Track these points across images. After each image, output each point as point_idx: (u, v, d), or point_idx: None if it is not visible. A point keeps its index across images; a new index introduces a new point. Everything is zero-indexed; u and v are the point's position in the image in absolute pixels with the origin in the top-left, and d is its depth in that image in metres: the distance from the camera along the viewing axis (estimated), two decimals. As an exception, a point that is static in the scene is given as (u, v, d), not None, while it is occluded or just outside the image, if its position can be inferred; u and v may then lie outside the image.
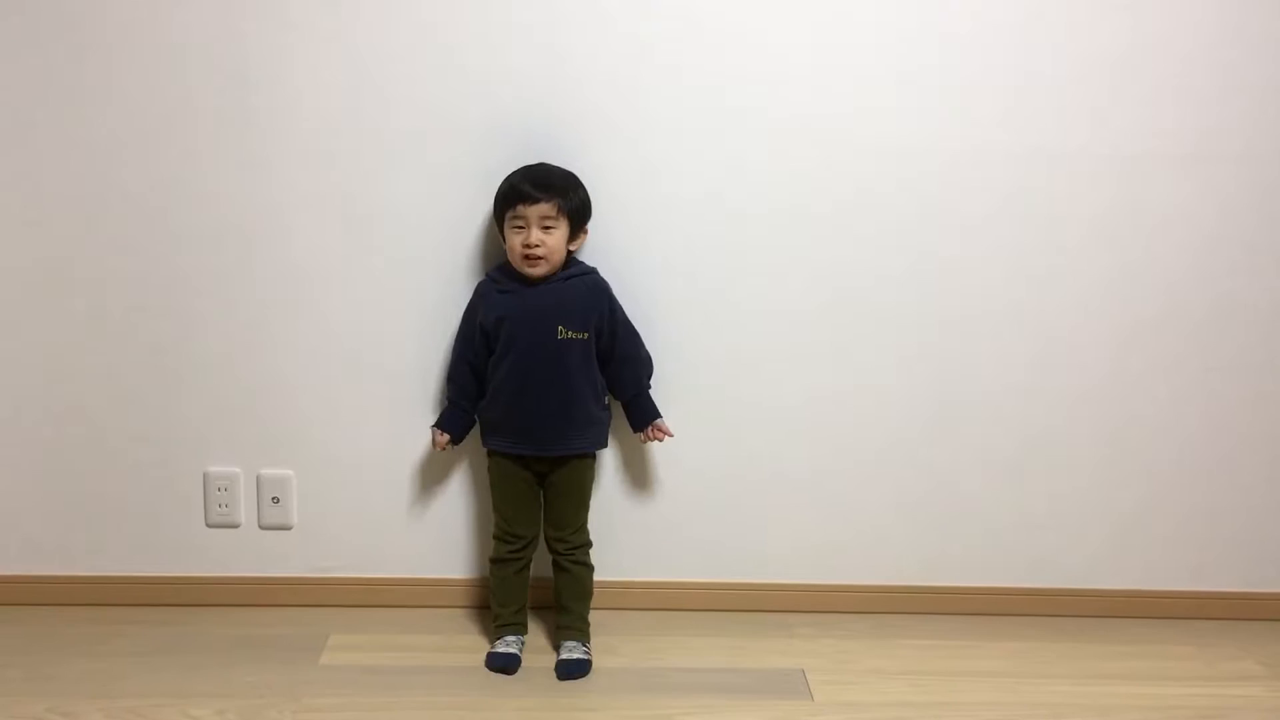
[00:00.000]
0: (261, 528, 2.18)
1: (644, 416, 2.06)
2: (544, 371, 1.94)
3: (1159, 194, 2.09)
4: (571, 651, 2.01)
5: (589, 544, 2.07)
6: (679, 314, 2.11)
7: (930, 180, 2.07)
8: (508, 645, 2.02)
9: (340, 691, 1.89)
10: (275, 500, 2.16)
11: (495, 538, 2.05)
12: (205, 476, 2.15)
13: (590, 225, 1.99)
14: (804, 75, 2.02)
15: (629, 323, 2.03)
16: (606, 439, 2.06)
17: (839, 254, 2.10)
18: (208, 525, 2.17)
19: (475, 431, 2.07)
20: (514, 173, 1.94)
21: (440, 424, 2.03)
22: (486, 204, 2.00)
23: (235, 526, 2.17)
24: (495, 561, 2.05)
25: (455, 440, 2.04)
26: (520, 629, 2.06)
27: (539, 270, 1.92)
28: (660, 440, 2.08)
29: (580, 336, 1.95)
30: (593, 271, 2.00)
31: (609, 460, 2.16)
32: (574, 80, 2.01)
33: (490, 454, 2.04)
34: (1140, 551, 2.25)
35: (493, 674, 1.97)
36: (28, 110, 1.99)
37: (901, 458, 2.19)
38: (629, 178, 2.04)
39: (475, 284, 2.02)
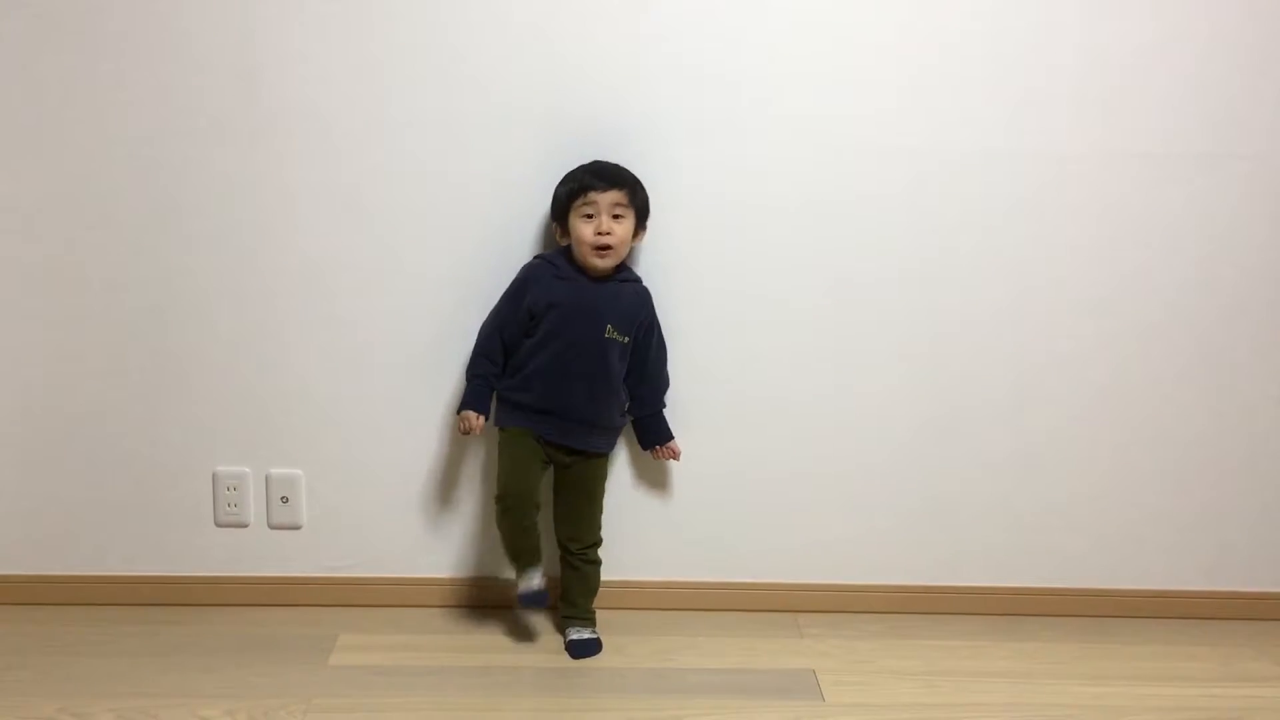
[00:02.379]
0: (271, 527, 2.17)
1: (658, 435, 2.08)
2: (586, 366, 1.94)
3: (1171, 194, 2.07)
4: (580, 632, 2.04)
5: (600, 542, 2.08)
6: (690, 310, 2.09)
7: (943, 180, 2.06)
8: (529, 580, 1.98)
9: (350, 692, 1.89)
10: (284, 500, 2.16)
11: (498, 498, 1.99)
12: (214, 476, 2.15)
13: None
14: (815, 76, 2.01)
15: (663, 340, 2.05)
16: (615, 443, 2.09)
17: (854, 253, 2.09)
18: (217, 525, 2.17)
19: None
20: (578, 169, 1.94)
21: (472, 404, 1.98)
22: (499, 205, 1.99)
23: (244, 526, 2.17)
24: (502, 516, 1.98)
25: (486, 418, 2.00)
26: (539, 559, 2.00)
27: (607, 262, 1.92)
28: (671, 459, 2.10)
29: (623, 340, 1.96)
30: (640, 280, 2.01)
31: (619, 459, 2.15)
32: (586, 82, 1.99)
33: (504, 429, 2.01)
34: (1156, 551, 2.23)
35: (503, 672, 1.97)
36: (36, 110, 1.99)
37: (914, 457, 2.18)
38: (643, 176, 2.02)
39: (487, 283, 2.01)
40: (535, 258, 2.01)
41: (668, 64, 1.99)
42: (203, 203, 2.03)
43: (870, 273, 2.10)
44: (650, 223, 2.04)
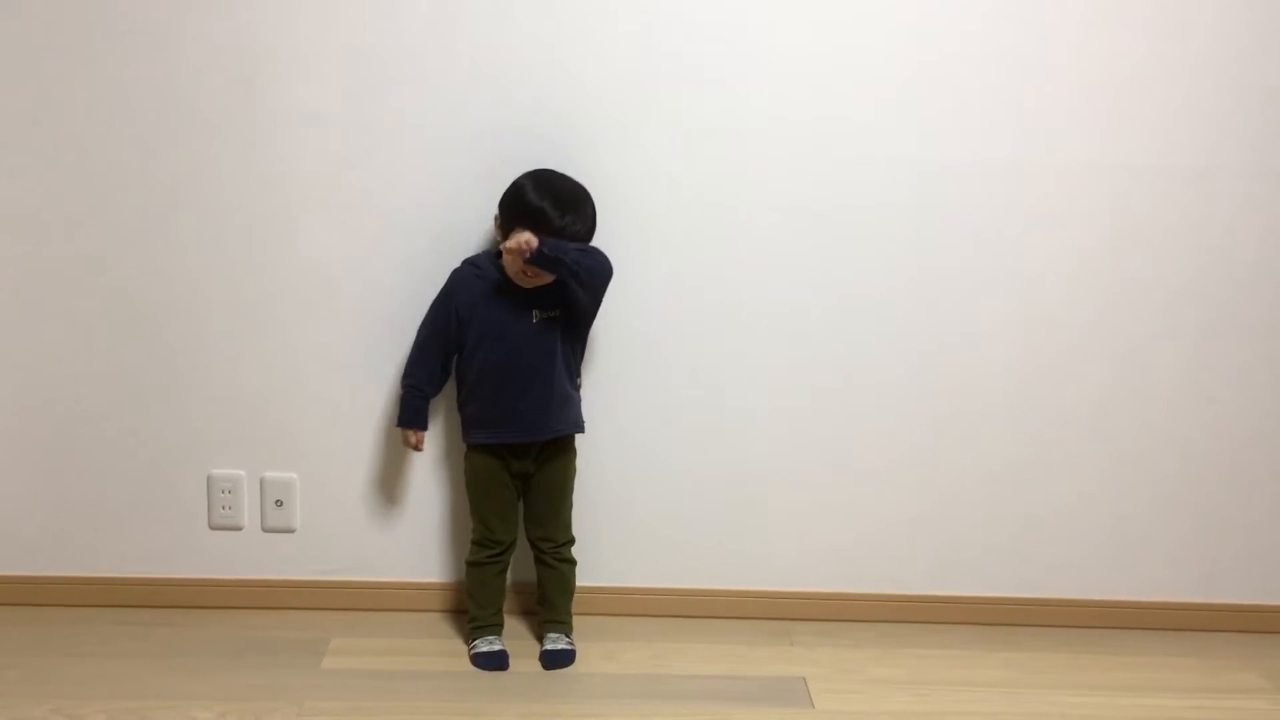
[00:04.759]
0: (265, 530, 2.18)
1: None
2: (523, 356, 1.93)
3: (1164, 207, 2.09)
4: (556, 643, 2.04)
5: (573, 540, 2.07)
6: (683, 317, 2.10)
7: (936, 190, 2.07)
8: (491, 644, 2.03)
9: (343, 695, 1.89)
10: (279, 503, 2.16)
11: (474, 543, 2.05)
12: (209, 479, 2.15)
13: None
14: (814, 85, 2.02)
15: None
16: (583, 421, 2.04)
17: (846, 260, 2.10)
18: (211, 527, 2.17)
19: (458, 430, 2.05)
20: (536, 184, 1.90)
21: (409, 421, 2.00)
22: (494, 208, 1.99)
23: (238, 529, 2.18)
24: (474, 565, 2.05)
25: (424, 428, 2.02)
26: (499, 629, 2.07)
27: (536, 283, 1.91)
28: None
29: (553, 315, 1.94)
30: None
31: (610, 465, 2.16)
32: (582, 83, 2.01)
33: (468, 453, 2.03)
34: (1143, 563, 2.24)
35: (495, 678, 1.98)
36: (35, 113, 1.99)
37: (905, 466, 2.19)
38: (634, 180, 2.04)
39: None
40: (463, 263, 2.00)
41: (664, 68, 2.00)
42: (199, 206, 2.04)
43: (863, 281, 2.11)
44: (646, 228, 2.05)
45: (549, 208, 1.87)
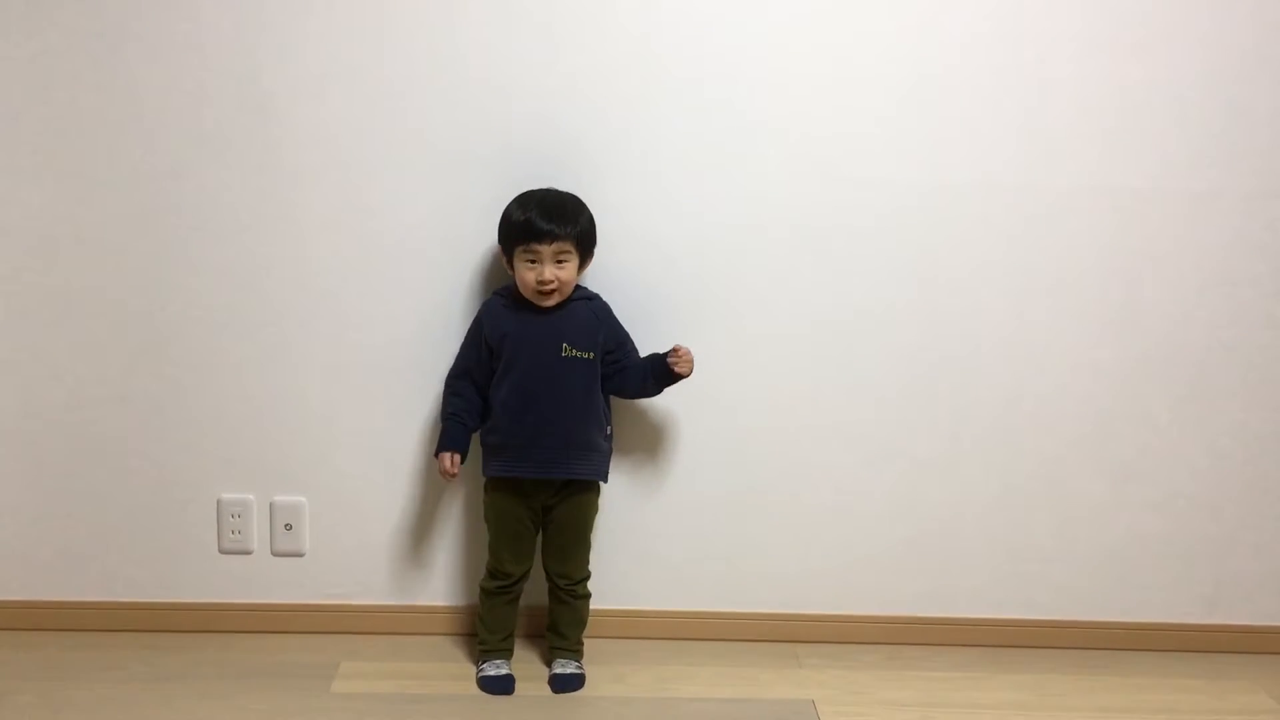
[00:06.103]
0: (274, 554, 2.19)
1: (657, 362, 1.99)
2: (548, 389, 1.93)
3: (1165, 230, 2.10)
4: (565, 667, 2.05)
5: (588, 576, 2.07)
6: (688, 337, 2.09)
7: (940, 211, 2.09)
8: (498, 668, 2.04)
9: (352, 719, 1.89)
10: (288, 527, 2.17)
11: (488, 571, 2.05)
12: (219, 503, 2.16)
13: (598, 246, 1.99)
14: (815, 105, 2.04)
15: (634, 345, 2.04)
16: (608, 472, 2.05)
17: (847, 280, 2.11)
18: (220, 552, 2.18)
19: (478, 457, 2.05)
20: (523, 202, 1.93)
21: (449, 443, 1.98)
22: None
23: (248, 553, 2.18)
24: (486, 593, 2.06)
25: (463, 459, 2.00)
26: (508, 654, 2.07)
27: (552, 301, 1.93)
28: (682, 362, 1.97)
29: (585, 356, 1.95)
30: (596, 297, 2.01)
31: (618, 488, 2.16)
32: (586, 103, 2.02)
33: (487, 487, 2.03)
34: (1152, 584, 2.24)
35: (503, 702, 1.98)
36: (46, 134, 2.01)
37: (912, 488, 2.20)
38: (639, 200, 2.06)
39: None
40: (491, 294, 2.01)
41: (666, 89, 2.02)
42: (208, 228, 2.06)
43: (864, 301, 2.12)
44: (648, 249, 2.07)
45: (535, 218, 1.89)
